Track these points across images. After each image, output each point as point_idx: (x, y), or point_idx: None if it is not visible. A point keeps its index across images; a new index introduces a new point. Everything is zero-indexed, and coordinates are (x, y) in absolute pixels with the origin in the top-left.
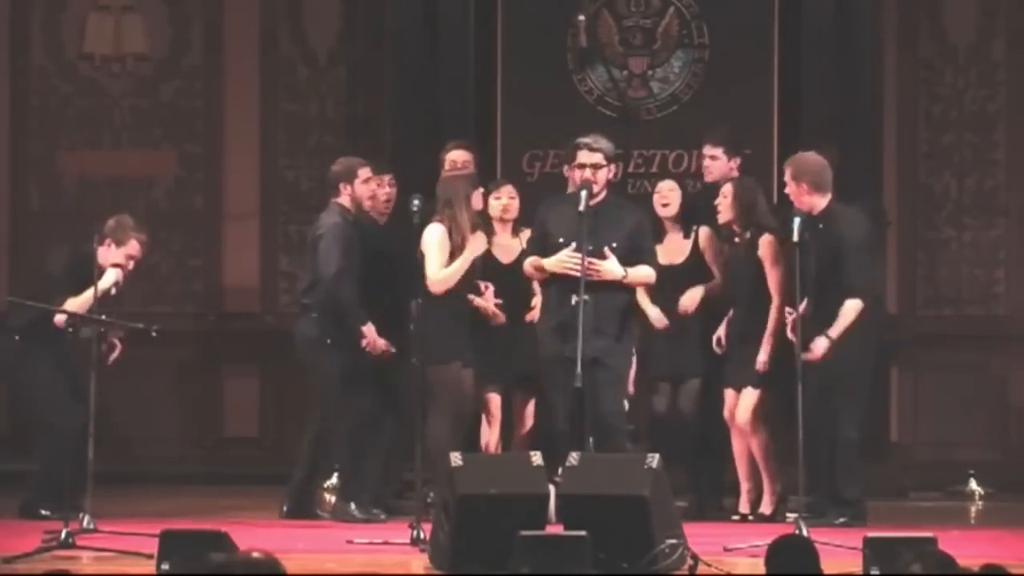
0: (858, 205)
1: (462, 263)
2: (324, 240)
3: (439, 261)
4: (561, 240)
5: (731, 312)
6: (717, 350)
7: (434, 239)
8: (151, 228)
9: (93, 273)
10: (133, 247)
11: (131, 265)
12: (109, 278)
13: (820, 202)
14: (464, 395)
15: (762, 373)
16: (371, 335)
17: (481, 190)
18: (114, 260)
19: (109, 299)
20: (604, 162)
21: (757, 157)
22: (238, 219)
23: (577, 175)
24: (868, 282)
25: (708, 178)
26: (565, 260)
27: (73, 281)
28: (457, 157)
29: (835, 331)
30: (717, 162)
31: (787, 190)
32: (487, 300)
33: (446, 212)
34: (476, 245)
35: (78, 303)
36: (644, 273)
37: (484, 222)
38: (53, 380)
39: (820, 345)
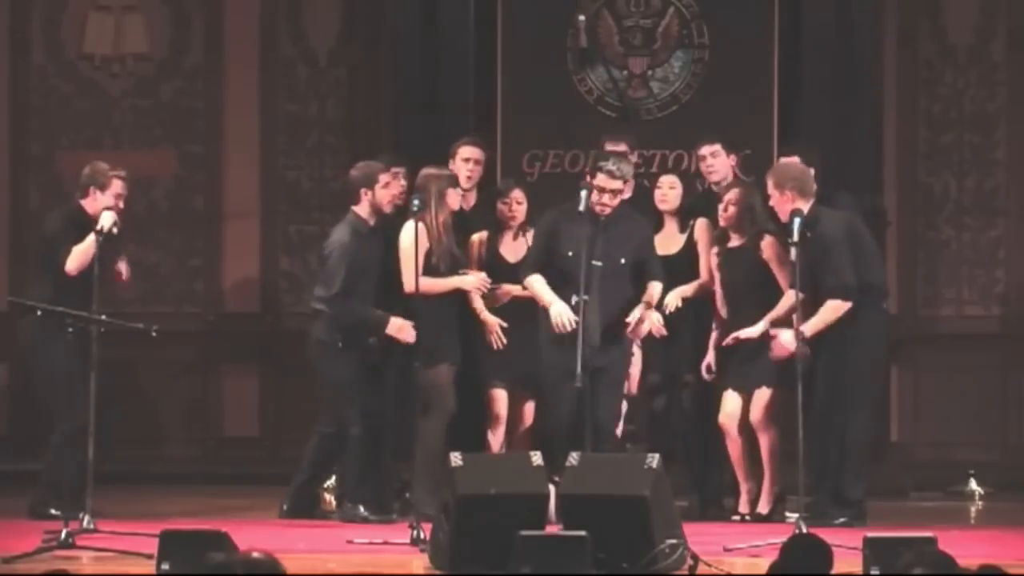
0: (844, 205)
1: (441, 285)
2: (331, 260)
3: (412, 268)
4: (570, 254)
5: (723, 313)
6: (706, 376)
7: (406, 243)
8: (151, 228)
9: (87, 224)
10: (117, 186)
11: (121, 204)
12: (108, 218)
13: (803, 208)
14: (453, 396)
15: (770, 363)
16: (394, 329)
17: (459, 189)
18: (104, 204)
19: (114, 238)
20: (622, 188)
21: (757, 157)
22: (238, 219)
23: (594, 196)
24: (852, 282)
25: (714, 177)
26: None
27: (70, 235)
28: (469, 154)
29: (810, 329)
30: (719, 159)
31: (771, 201)
32: (492, 322)
33: (420, 210)
34: (467, 281)
35: (82, 249)
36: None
37: (493, 224)
38: (68, 375)
39: (787, 339)
